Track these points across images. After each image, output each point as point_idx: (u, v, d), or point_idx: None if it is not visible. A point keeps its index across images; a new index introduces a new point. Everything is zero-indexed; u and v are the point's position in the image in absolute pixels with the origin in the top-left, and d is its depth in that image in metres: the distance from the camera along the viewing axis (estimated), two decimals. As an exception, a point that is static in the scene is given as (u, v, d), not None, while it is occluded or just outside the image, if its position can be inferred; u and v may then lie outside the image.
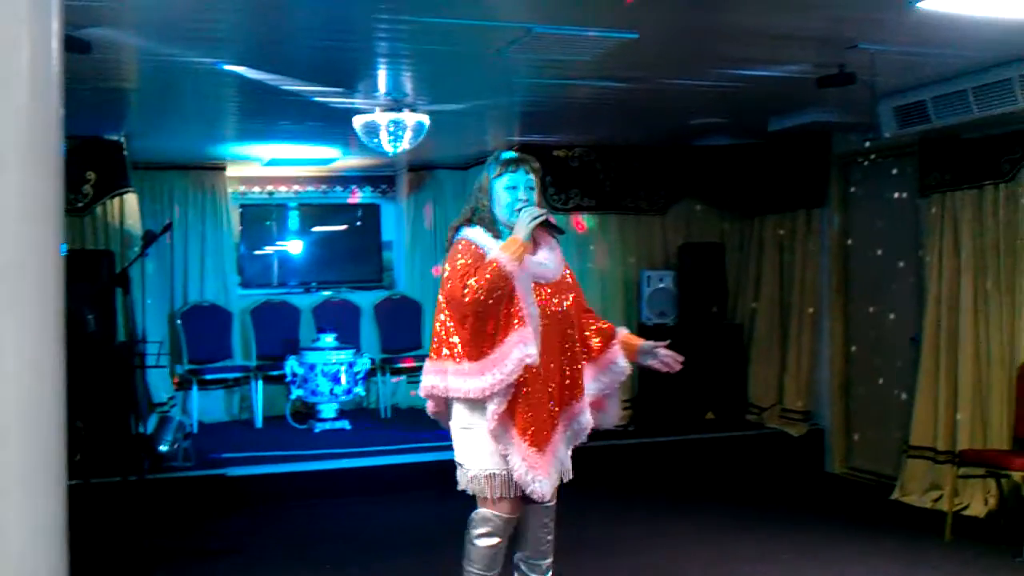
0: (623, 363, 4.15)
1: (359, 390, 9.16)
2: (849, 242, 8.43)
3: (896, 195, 7.88)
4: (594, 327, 4.17)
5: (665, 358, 4.19)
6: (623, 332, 4.23)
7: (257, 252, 10.41)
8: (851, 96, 6.27)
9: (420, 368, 10.30)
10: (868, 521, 6.74)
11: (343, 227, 10.79)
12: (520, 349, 3.75)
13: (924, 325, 7.18)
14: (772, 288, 9.07)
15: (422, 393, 4.06)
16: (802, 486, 7.96)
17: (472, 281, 3.77)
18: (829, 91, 5.88)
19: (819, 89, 5.80)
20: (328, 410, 8.99)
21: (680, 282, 9.06)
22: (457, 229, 4.03)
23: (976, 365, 6.82)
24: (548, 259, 4.04)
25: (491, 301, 3.76)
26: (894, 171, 7.91)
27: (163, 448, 7.06)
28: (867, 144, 7.81)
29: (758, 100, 6.85)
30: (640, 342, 4.23)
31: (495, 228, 3.96)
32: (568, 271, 4.16)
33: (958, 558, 5.81)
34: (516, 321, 3.79)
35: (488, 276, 3.75)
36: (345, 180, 10.74)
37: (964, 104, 6.11)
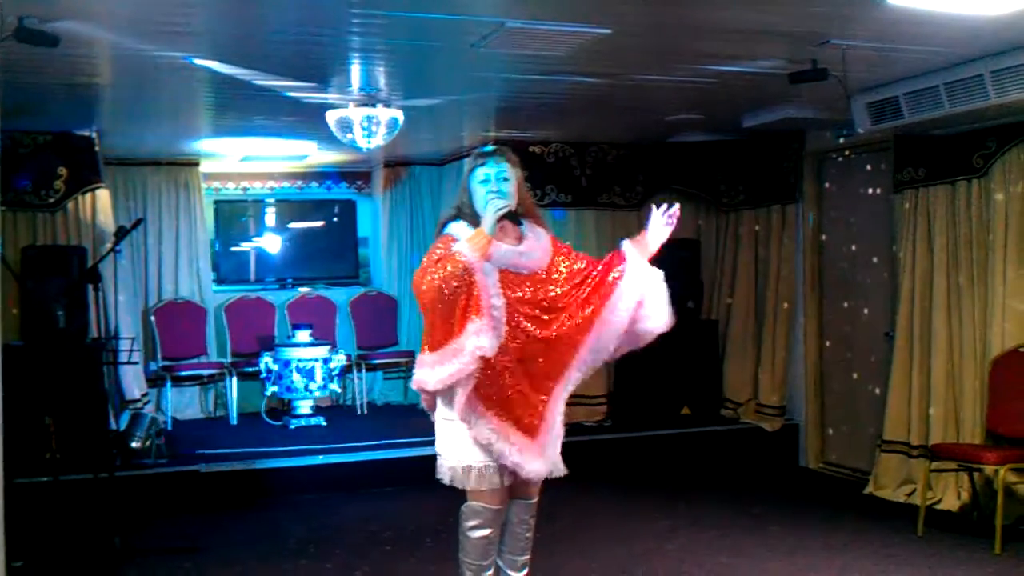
0: (630, 292, 4.20)
1: (335, 387, 9.13)
2: (823, 238, 8.46)
3: (870, 191, 7.91)
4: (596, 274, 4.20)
5: (663, 223, 4.33)
6: (625, 250, 4.25)
7: (233, 248, 10.35)
8: (824, 92, 6.28)
9: (396, 364, 10.36)
10: (842, 515, 6.77)
11: (319, 223, 10.74)
12: (472, 340, 3.78)
13: (897, 320, 7.22)
14: (747, 284, 9.09)
15: (413, 387, 4.11)
16: (777, 480, 7.99)
17: (434, 272, 3.82)
18: (802, 87, 5.89)
19: (792, 85, 5.81)
20: (303, 406, 8.95)
21: (656, 278, 9.04)
22: (444, 224, 4.07)
23: (949, 360, 6.86)
24: (532, 249, 4.06)
25: (447, 292, 3.82)
26: (868, 167, 7.94)
27: (135, 445, 7.01)
28: (841, 140, 7.84)
29: (732, 96, 6.86)
30: (642, 238, 4.30)
31: (477, 221, 3.99)
32: (562, 256, 4.18)
33: (931, 552, 5.84)
34: (475, 312, 3.82)
35: (448, 268, 3.81)
36: (321, 176, 10.71)
37: (936, 100, 6.14)
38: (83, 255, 7.53)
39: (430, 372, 3.89)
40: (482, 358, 3.82)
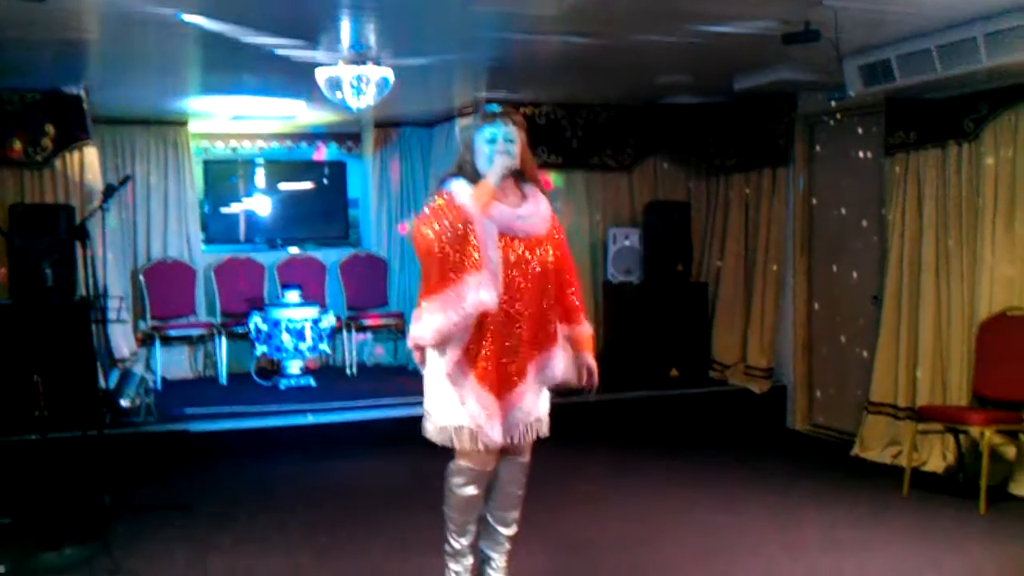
0: (557, 372, 4.15)
1: (324, 347, 9.13)
2: (813, 201, 8.46)
3: (861, 154, 7.90)
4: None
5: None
6: (584, 332, 4.23)
7: (222, 208, 10.29)
8: (817, 54, 6.27)
9: (385, 326, 10.36)
10: (828, 476, 6.81)
11: (309, 184, 10.68)
12: (474, 293, 3.80)
13: (886, 283, 7.24)
14: (737, 246, 9.10)
15: (408, 344, 4.11)
16: (764, 442, 8.04)
17: (433, 221, 3.83)
18: (794, 49, 5.87)
19: (784, 47, 5.78)
20: (293, 367, 8.96)
21: (646, 240, 9.06)
22: (442, 182, 4.07)
23: (936, 323, 6.89)
24: (531, 214, 4.06)
25: (446, 241, 3.82)
26: (859, 130, 7.93)
27: (124, 403, 7.02)
28: (833, 103, 7.81)
29: (724, 58, 6.84)
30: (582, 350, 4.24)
31: (477, 180, 3.99)
32: (555, 229, 4.17)
33: (916, 512, 5.89)
34: (474, 264, 3.83)
35: (449, 217, 3.81)
36: (310, 136, 10.65)
37: (929, 63, 6.12)
38: (71, 213, 7.50)
39: (428, 320, 3.88)
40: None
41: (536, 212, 4.09)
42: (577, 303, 4.24)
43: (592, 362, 4.25)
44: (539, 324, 4.06)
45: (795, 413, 8.57)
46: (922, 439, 6.71)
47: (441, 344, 3.91)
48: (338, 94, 6.47)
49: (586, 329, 4.25)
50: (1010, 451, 6.27)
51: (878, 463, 7.11)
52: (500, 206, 3.97)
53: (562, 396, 4.33)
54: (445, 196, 3.95)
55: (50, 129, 7.69)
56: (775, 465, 7.19)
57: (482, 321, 3.88)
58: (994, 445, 6.04)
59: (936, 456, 6.77)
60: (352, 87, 6.37)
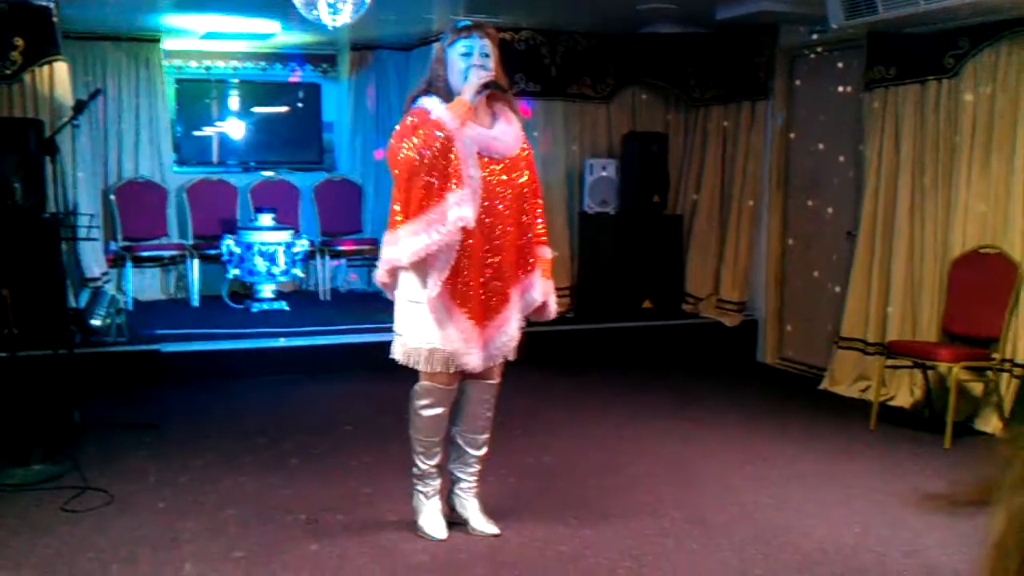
0: (537, 295, 4.15)
1: (297, 272, 9.08)
2: (791, 135, 8.43)
3: (840, 89, 7.86)
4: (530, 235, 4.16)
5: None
6: (545, 255, 4.20)
7: (194, 130, 10.14)
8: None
9: (359, 252, 10.31)
10: (797, 409, 6.87)
11: (283, 107, 10.53)
12: (455, 210, 3.75)
13: (861, 219, 7.25)
14: (714, 180, 9.07)
15: (379, 265, 4.06)
16: (734, 375, 8.09)
17: (412, 140, 3.77)
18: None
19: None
20: (266, 290, 8.91)
21: (623, 171, 9.02)
22: (414, 99, 3.99)
23: (909, 260, 6.92)
24: (503, 134, 4.01)
25: (427, 160, 3.75)
26: (839, 65, 7.88)
27: (95, 322, 6.97)
28: (814, 36, 7.76)
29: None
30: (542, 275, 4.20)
31: (451, 98, 3.92)
32: (525, 150, 4.12)
33: (883, 445, 5.96)
34: (455, 182, 3.78)
35: (428, 135, 3.75)
36: (285, 58, 10.47)
37: (912, -5, 6.08)
38: (40, 128, 7.34)
39: (406, 242, 3.84)
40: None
41: (509, 131, 4.04)
42: (541, 226, 4.19)
43: (551, 288, 4.21)
44: (520, 248, 4.05)
45: (766, 347, 8.63)
46: (891, 374, 6.77)
47: (419, 266, 3.88)
48: (314, 12, 6.33)
49: (547, 253, 4.21)
50: (977, 387, 6.34)
51: (846, 397, 7.18)
52: (475, 127, 3.91)
53: (530, 324, 4.32)
54: (418, 113, 3.89)
55: (19, 42, 7.51)
56: (744, 398, 7.24)
57: (462, 247, 3.85)
58: (961, 381, 6.10)
59: (904, 391, 6.84)
60: (328, 5, 6.25)
